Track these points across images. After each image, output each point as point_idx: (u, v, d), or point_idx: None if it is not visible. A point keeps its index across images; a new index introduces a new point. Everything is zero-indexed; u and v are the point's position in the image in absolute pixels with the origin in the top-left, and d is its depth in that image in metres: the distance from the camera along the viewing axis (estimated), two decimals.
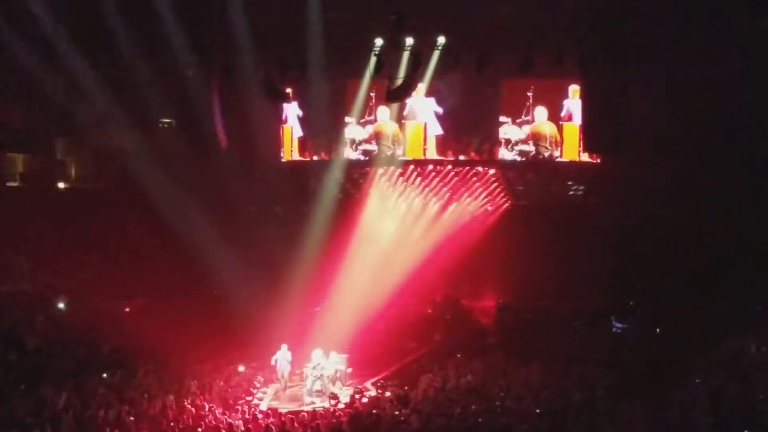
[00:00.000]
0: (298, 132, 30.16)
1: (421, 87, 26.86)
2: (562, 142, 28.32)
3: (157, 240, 30.90)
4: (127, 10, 24.38)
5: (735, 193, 27.88)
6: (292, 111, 29.68)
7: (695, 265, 28.93)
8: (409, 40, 23.96)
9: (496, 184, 32.14)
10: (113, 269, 30.89)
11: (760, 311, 25.46)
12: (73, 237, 30.94)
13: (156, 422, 21.46)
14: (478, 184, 32.01)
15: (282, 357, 27.02)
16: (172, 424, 21.20)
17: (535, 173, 31.05)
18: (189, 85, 24.39)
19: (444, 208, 33.57)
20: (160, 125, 30.76)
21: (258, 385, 27.86)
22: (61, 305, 29.93)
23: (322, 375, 27.12)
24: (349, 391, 27.09)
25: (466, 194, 32.67)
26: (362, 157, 28.93)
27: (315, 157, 30.56)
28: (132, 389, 24.50)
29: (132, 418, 21.59)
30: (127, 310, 31.69)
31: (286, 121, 29.79)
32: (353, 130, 28.73)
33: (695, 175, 28.48)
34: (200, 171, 30.06)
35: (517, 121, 28.32)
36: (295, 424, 21.48)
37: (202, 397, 24.40)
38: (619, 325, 31.34)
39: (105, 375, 25.88)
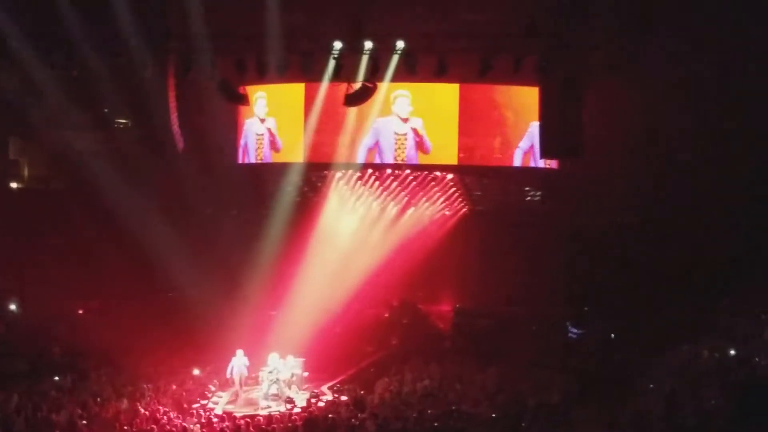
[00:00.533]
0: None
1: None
2: None
3: (112, 241, 30.59)
4: (82, 8, 24.10)
5: (692, 199, 28.09)
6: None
7: (650, 271, 29.15)
8: (368, 44, 23.92)
9: (454, 189, 32.24)
10: (67, 271, 30.57)
11: (712, 317, 25.66)
12: (26, 238, 30.59)
13: (109, 426, 21.20)
14: (436, 188, 32.08)
15: (238, 362, 26.81)
16: (125, 427, 20.96)
17: (493, 179, 31.15)
18: (146, 85, 24.15)
19: (402, 212, 33.64)
20: (116, 125, 30.51)
21: (213, 388, 27.65)
22: (12, 307, 29.54)
23: (278, 379, 26.96)
24: (306, 395, 26.96)
25: (424, 199, 32.76)
26: None
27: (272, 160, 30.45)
28: (85, 392, 24.21)
29: (84, 422, 21.30)
30: (81, 312, 31.39)
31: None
32: None
33: (652, 182, 28.68)
34: (156, 172, 29.85)
35: None
36: (251, 429, 21.31)
37: (156, 401, 24.15)
38: (575, 331, 31.49)
39: (57, 377, 25.58)
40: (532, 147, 28.70)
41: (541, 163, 28.71)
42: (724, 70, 25.84)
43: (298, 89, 29.25)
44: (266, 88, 27.05)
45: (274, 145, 30.51)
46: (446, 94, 28.70)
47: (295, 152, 30.10)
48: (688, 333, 25.45)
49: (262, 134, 30.53)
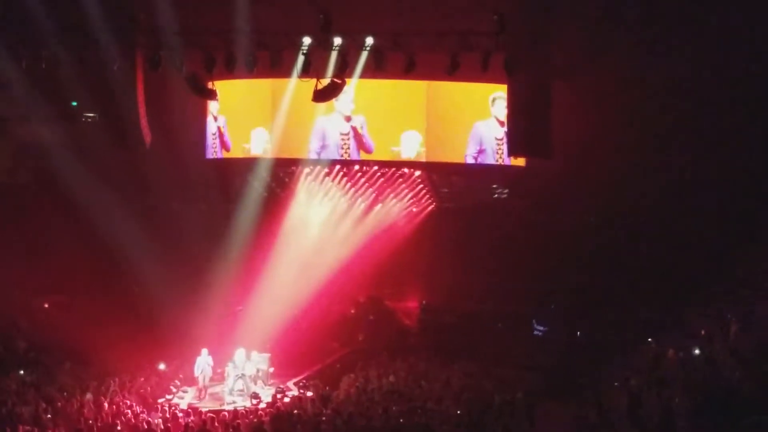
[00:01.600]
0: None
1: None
2: None
3: (78, 235, 30.41)
4: (51, 1, 23.92)
5: (659, 199, 28.30)
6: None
7: (616, 270, 29.34)
8: (337, 40, 23.91)
9: (421, 186, 32.28)
10: (32, 265, 30.37)
11: (678, 317, 25.86)
12: None
13: (73, 420, 21.09)
14: (403, 185, 32.13)
15: (203, 362, 26.70)
16: (90, 422, 20.84)
17: (460, 176, 31.22)
18: (114, 78, 23.99)
19: (369, 208, 33.64)
20: (84, 119, 30.29)
21: (178, 383, 27.57)
22: None
23: (243, 374, 26.93)
24: (271, 390, 26.96)
25: (392, 195, 32.78)
26: None
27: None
28: (50, 386, 24.08)
29: (49, 416, 21.20)
30: (46, 306, 31.20)
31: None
32: None
33: (620, 181, 28.86)
34: (123, 166, 29.69)
35: None
36: (216, 424, 21.28)
37: (121, 396, 24.07)
38: (540, 328, 31.67)
39: (22, 371, 25.43)
40: (481, 151, 28.80)
41: (508, 161, 28.78)
42: (694, 68, 26.02)
43: (246, 86, 29.30)
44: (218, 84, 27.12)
45: (224, 145, 30.48)
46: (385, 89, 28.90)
47: (243, 151, 30.13)
48: (653, 332, 25.64)
49: (215, 133, 30.53)
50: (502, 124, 28.29)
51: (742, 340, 20.71)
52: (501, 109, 28.00)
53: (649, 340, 25.15)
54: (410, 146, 29.05)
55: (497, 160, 28.82)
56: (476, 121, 28.85)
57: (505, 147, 27.86)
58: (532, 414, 22.64)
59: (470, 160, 28.93)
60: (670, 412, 17.91)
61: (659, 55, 25.90)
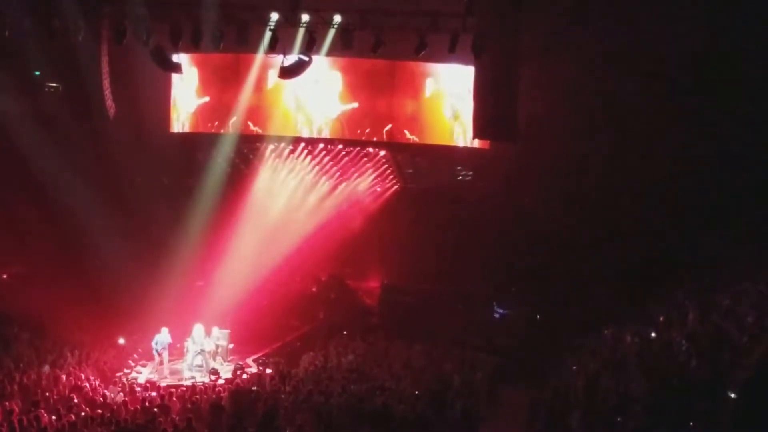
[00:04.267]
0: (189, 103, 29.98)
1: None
2: None
3: (37, 207, 30.17)
4: None
5: (623, 183, 28.44)
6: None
7: (577, 253, 29.50)
8: (305, 17, 23.81)
9: (386, 166, 32.30)
10: None
11: (636, 302, 26.03)
12: None
13: (30, 392, 20.97)
14: (368, 165, 32.12)
15: (161, 339, 26.54)
16: (47, 394, 20.74)
17: (425, 157, 31.25)
18: (78, 49, 23.73)
19: (333, 187, 33.63)
20: (46, 89, 29.95)
21: (137, 357, 27.46)
22: None
23: (202, 350, 26.86)
24: (230, 367, 26.92)
25: (356, 175, 32.79)
26: None
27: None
28: (6, 357, 23.88)
29: (6, 387, 21.05)
30: (5, 276, 30.93)
31: None
32: None
33: (583, 164, 28.98)
34: (86, 139, 29.41)
35: None
36: (174, 399, 21.23)
37: (78, 368, 23.94)
38: (500, 311, 31.82)
39: None
40: None
41: (475, 143, 28.84)
42: (662, 52, 26.09)
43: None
44: None
45: None
46: None
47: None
48: (612, 317, 25.79)
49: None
50: None
51: (699, 327, 20.87)
52: None
53: (608, 325, 25.31)
54: None
55: None
56: None
57: None
58: (491, 395, 22.79)
59: None
60: (626, 396, 18.04)
61: (627, 38, 25.94)
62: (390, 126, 28.86)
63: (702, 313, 21.41)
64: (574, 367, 22.60)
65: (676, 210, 27.46)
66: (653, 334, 22.21)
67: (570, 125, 28.05)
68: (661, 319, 23.39)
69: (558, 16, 26.19)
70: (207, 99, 29.90)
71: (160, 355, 26.41)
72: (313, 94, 28.97)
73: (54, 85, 29.30)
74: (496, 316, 31.81)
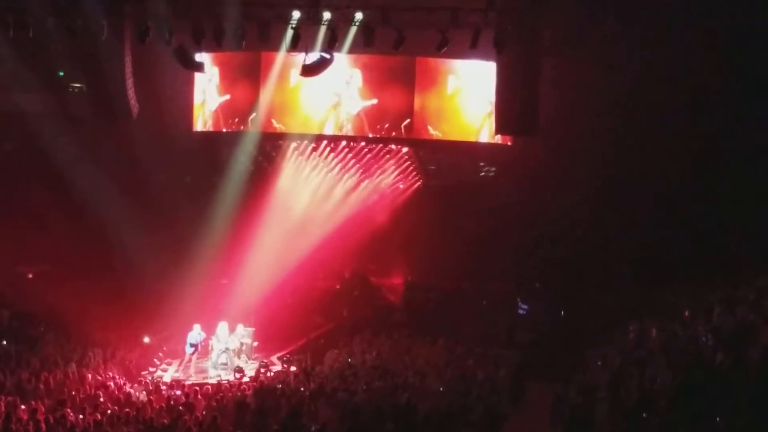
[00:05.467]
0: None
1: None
2: None
3: (62, 205, 30.33)
4: None
5: (645, 178, 28.31)
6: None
7: (601, 249, 29.39)
8: (327, 15, 23.82)
9: (408, 162, 32.27)
10: (17, 234, 30.23)
11: (661, 297, 25.92)
12: None
13: (57, 391, 21.12)
14: (391, 161, 32.10)
15: (194, 337, 26.66)
16: (73, 393, 20.87)
17: (448, 153, 31.20)
18: (101, 49, 23.85)
19: (356, 184, 33.63)
20: (71, 89, 30.14)
21: (162, 356, 27.59)
22: None
23: (227, 348, 26.97)
24: (255, 364, 27.00)
25: (379, 172, 32.76)
26: None
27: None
28: (33, 356, 24.07)
29: (32, 386, 21.20)
30: (31, 276, 31.12)
31: None
32: None
33: (606, 160, 28.86)
34: (110, 137, 29.57)
35: None
36: (199, 397, 21.33)
37: (104, 367, 24.09)
38: (524, 307, 31.75)
39: (5, 341, 25.40)
40: None
41: (497, 139, 28.79)
42: (683, 49, 25.96)
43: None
44: None
45: None
46: None
47: None
48: (636, 311, 25.68)
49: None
50: None
51: (725, 321, 20.77)
52: None
53: (632, 319, 25.22)
54: None
55: None
56: None
57: None
58: (514, 391, 22.75)
59: None
60: (651, 392, 17.99)
61: (652, 33, 25.81)
62: (408, 120, 28.85)
63: (727, 307, 21.31)
64: (599, 363, 22.52)
65: (700, 204, 27.30)
66: (678, 329, 22.14)
67: (592, 119, 27.93)
68: (686, 313, 23.29)
69: (580, 11, 26.09)
70: (228, 97, 29.97)
71: (195, 351, 26.55)
72: (339, 91, 29.06)
73: (78, 84, 29.52)
74: (520, 312, 31.75)
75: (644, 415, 17.27)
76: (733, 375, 16.51)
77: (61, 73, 29.81)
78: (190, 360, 26.66)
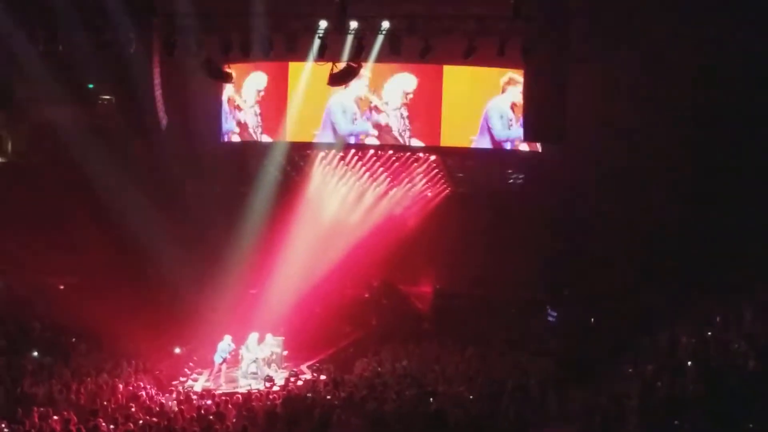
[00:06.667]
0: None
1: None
2: None
3: (93, 217, 30.54)
4: None
5: (675, 184, 28.20)
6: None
7: (630, 255, 29.28)
8: (353, 24, 23.91)
9: (436, 170, 32.27)
10: (47, 246, 30.46)
11: (692, 303, 25.79)
12: (7, 212, 30.45)
13: (89, 401, 21.24)
14: (418, 169, 32.12)
15: (224, 347, 26.78)
16: (105, 403, 20.99)
17: (476, 161, 31.18)
18: (130, 61, 24.06)
19: (384, 193, 33.66)
20: (100, 101, 30.39)
21: (192, 366, 27.71)
22: None
23: (257, 357, 27.06)
24: (285, 373, 27.08)
25: (407, 180, 32.78)
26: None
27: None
28: (65, 367, 24.22)
29: (64, 397, 21.34)
30: (61, 287, 31.33)
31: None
32: None
33: (634, 167, 28.77)
34: (139, 149, 29.80)
35: None
36: (229, 406, 21.38)
37: (135, 377, 24.21)
38: (554, 314, 31.66)
39: (37, 352, 25.56)
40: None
41: (524, 146, 28.76)
42: (708, 58, 25.90)
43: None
44: None
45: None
46: None
47: None
48: (667, 318, 25.57)
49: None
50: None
51: (757, 327, 20.65)
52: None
53: (663, 326, 25.10)
54: None
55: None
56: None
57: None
58: (544, 399, 22.66)
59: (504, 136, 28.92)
60: (683, 399, 17.91)
61: (681, 39, 25.74)
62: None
63: (759, 314, 21.20)
64: (630, 370, 22.44)
65: (732, 209, 27.15)
66: (710, 335, 22.03)
67: (621, 126, 27.88)
68: (718, 319, 23.17)
69: (608, 16, 26.07)
70: (257, 108, 30.11)
71: (225, 362, 26.68)
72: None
73: (107, 97, 29.76)
74: (550, 319, 31.66)
75: (676, 422, 17.20)
76: (765, 382, 16.43)
77: (91, 86, 30.07)
78: (219, 370, 26.78)
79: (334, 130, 29.41)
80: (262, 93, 30.03)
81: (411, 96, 28.83)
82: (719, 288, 25.12)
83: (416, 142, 29.42)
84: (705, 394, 17.48)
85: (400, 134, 29.11)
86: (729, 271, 25.58)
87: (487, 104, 28.74)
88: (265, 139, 30.27)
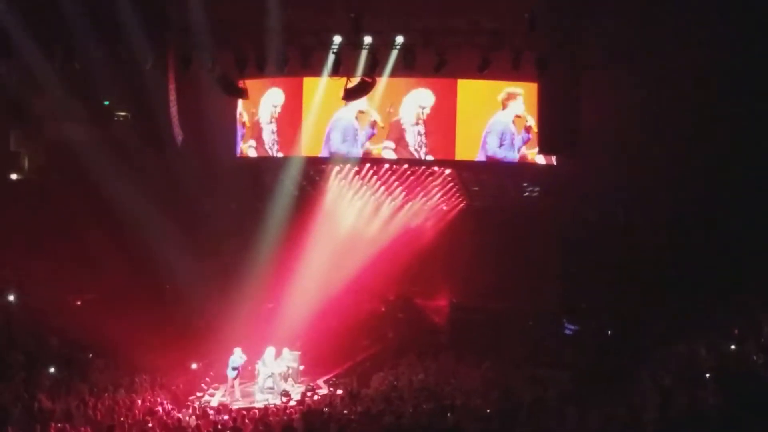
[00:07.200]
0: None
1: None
2: None
3: (110, 234, 30.62)
4: (82, 1, 24.18)
5: (690, 197, 28.12)
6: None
7: (647, 267, 29.18)
8: (368, 39, 23.98)
9: (451, 184, 32.27)
10: (65, 262, 30.56)
11: (710, 315, 25.71)
12: (24, 229, 30.57)
13: (106, 417, 21.29)
14: (433, 183, 32.12)
15: (236, 361, 26.79)
16: (122, 419, 21.03)
17: (491, 174, 31.18)
18: (146, 78, 24.19)
19: (399, 207, 33.67)
20: (116, 118, 30.55)
21: (209, 381, 27.73)
22: (10, 297, 29.57)
23: (273, 372, 27.06)
24: (301, 388, 27.08)
25: (422, 194, 32.79)
26: None
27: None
28: (82, 383, 24.28)
29: (81, 412, 21.39)
30: (78, 303, 31.41)
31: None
32: None
33: (651, 178, 28.71)
34: (155, 165, 29.91)
35: None
36: (246, 421, 21.42)
37: (152, 393, 24.25)
38: (571, 327, 31.57)
39: (54, 368, 25.62)
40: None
41: (540, 159, 28.74)
42: (723, 67, 25.85)
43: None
44: None
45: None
46: None
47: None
48: (685, 330, 25.49)
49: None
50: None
51: None
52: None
53: (681, 338, 25.02)
54: None
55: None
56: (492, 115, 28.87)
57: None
58: (562, 413, 22.59)
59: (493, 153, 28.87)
60: (702, 412, 17.84)
61: (695, 50, 25.72)
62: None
63: None
64: (648, 383, 22.36)
65: (749, 221, 27.07)
66: (729, 347, 21.95)
67: (635, 139, 27.83)
68: (736, 331, 23.10)
69: (622, 29, 26.07)
70: (274, 125, 30.18)
71: (238, 375, 26.67)
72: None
73: (123, 113, 29.91)
74: (567, 332, 31.57)
75: None
76: None
77: (107, 103, 30.23)
78: (233, 384, 26.78)
79: (330, 149, 29.53)
80: (278, 110, 30.03)
81: (427, 111, 28.81)
82: (737, 300, 25.05)
83: (430, 157, 29.41)
84: (724, 407, 17.40)
85: (416, 149, 29.10)
86: (746, 283, 25.50)
87: (489, 121, 28.73)
88: (281, 155, 30.27)
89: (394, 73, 26.24)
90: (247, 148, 30.74)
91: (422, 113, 28.85)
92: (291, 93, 29.78)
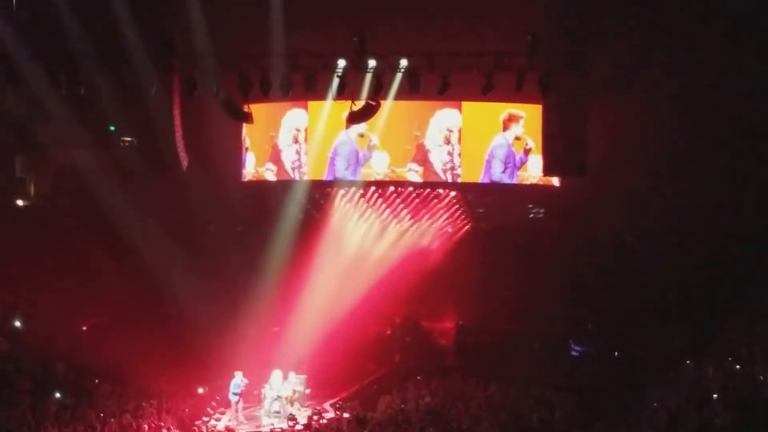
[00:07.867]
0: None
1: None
2: None
3: (116, 259, 30.67)
4: (87, 27, 24.30)
5: (696, 217, 28.11)
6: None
7: (653, 288, 29.16)
8: (372, 63, 24.05)
9: (456, 206, 32.30)
10: (71, 288, 30.58)
11: (717, 335, 25.67)
12: (31, 255, 30.60)
13: None
14: (438, 205, 32.15)
15: (237, 385, 26.72)
16: None
17: (496, 196, 31.20)
18: (151, 103, 24.29)
19: (405, 229, 33.69)
20: (121, 143, 30.65)
21: (215, 405, 27.67)
22: (17, 323, 29.55)
23: (280, 396, 26.99)
24: (308, 412, 27.00)
25: (427, 216, 32.82)
26: None
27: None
28: (88, 409, 24.24)
29: None
30: (85, 329, 31.40)
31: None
32: None
33: (655, 198, 28.72)
34: (161, 190, 29.96)
35: None
36: None
37: (158, 417, 24.21)
38: (578, 348, 31.51)
39: (61, 394, 25.58)
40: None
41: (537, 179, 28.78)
42: (725, 86, 25.91)
43: None
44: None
45: None
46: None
47: None
48: (692, 351, 25.44)
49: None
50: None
51: None
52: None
53: (688, 359, 24.97)
54: None
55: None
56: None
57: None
58: None
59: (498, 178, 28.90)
60: (710, 431, 17.81)
61: (698, 72, 25.78)
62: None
63: None
64: (656, 404, 22.31)
65: (756, 240, 27.06)
66: (735, 367, 21.90)
67: (641, 157, 27.85)
68: (744, 351, 23.05)
69: (625, 50, 26.16)
70: (297, 145, 30.20)
71: (240, 399, 26.59)
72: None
73: (128, 139, 30.01)
74: (574, 354, 31.50)
75: None
76: None
77: (112, 128, 30.33)
78: (236, 408, 26.71)
79: (335, 174, 29.62)
80: (303, 133, 30.07)
81: (456, 134, 28.89)
82: (745, 320, 25.01)
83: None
84: (732, 427, 17.37)
85: (443, 171, 29.14)
86: (755, 303, 25.47)
87: (491, 144, 28.77)
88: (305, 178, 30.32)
89: (398, 96, 26.28)
90: (265, 171, 30.72)
91: (450, 135, 28.91)
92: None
